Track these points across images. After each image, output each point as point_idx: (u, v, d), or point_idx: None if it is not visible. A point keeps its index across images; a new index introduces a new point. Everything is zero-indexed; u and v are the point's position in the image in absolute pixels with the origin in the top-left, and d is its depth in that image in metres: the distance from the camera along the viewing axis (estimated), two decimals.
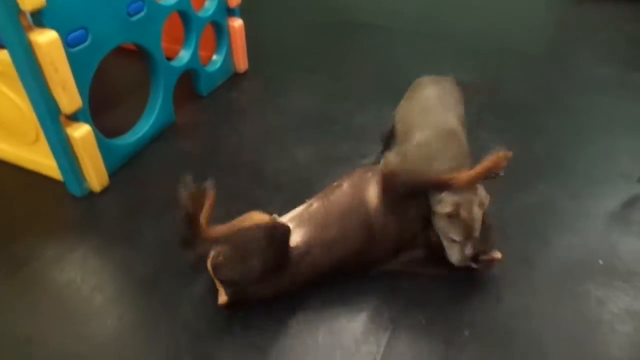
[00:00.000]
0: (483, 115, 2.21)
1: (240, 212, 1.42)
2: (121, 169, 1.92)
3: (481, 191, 1.41)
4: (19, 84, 1.60)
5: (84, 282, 1.52)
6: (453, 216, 1.35)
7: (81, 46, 1.63)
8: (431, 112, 1.62)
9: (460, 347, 1.34)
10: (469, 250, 1.39)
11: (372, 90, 2.40)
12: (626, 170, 1.90)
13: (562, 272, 1.54)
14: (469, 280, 1.50)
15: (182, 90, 2.22)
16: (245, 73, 2.53)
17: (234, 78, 2.49)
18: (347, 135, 2.11)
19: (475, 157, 1.43)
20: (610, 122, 2.19)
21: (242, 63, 2.49)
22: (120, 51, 2.23)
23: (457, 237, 1.38)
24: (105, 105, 2.07)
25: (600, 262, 1.56)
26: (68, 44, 1.58)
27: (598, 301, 1.46)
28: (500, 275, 1.52)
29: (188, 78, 2.27)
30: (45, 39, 1.48)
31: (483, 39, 2.85)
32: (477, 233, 1.38)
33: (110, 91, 2.29)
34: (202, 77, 2.30)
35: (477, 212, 1.37)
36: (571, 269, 1.55)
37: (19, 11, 1.41)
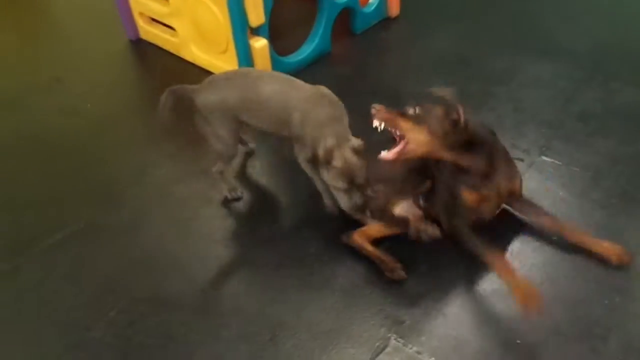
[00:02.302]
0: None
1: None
2: None
3: (353, 139, 1.54)
4: (221, 0, 2.08)
5: None
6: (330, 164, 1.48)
7: None
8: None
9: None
10: (358, 199, 1.52)
11: (509, 41, 2.55)
12: None
13: None
14: None
15: (340, 28, 2.60)
16: (396, 18, 2.82)
17: (386, 21, 2.79)
18: (480, 75, 2.32)
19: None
20: None
21: (394, 8, 2.78)
22: None
23: (340, 184, 1.50)
24: (279, 31, 2.49)
25: None
26: None
27: None
28: None
29: (346, 18, 2.62)
30: None
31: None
32: (360, 180, 1.50)
33: (284, 22, 2.72)
34: (358, 16, 2.64)
35: (352, 158, 1.49)
36: None
37: None
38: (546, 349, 1.30)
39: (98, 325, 1.44)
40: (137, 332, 1.43)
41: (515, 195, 1.59)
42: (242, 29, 2.10)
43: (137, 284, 1.56)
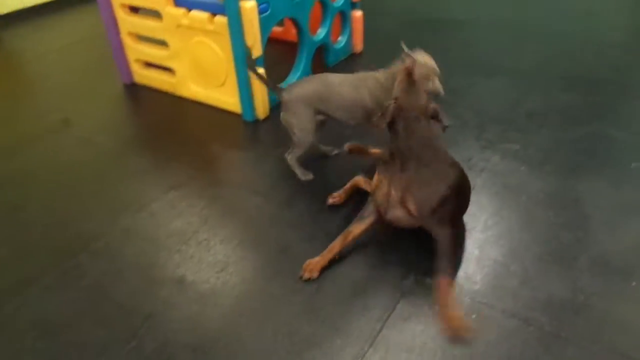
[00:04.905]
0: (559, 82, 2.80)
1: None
2: (276, 106, 2.70)
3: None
4: (222, 39, 2.45)
5: (249, 167, 2.30)
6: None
7: (265, 14, 2.46)
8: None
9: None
10: None
11: (462, 65, 3.07)
12: None
13: None
14: None
15: (316, 62, 3.02)
16: (361, 53, 3.30)
17: (352, 56, 3.27)
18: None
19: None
20: None
21: (359, 45, 3.26)
22: (276, 42, 3.05)
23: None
24: (269, 65, 2.86)
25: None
26: (260, 11, 2.41)
27: None
28: None
29: (320, 55, 3.05)
30: (249, 6, 2.32)
31: (563, 29, 3.42)
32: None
33: (273, 58, 3.09)
34: (330, 51, 3.08)
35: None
36: None
37: None
38: (533, 268, 1.67)
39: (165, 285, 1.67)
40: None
41: (411, 214, 1.63)
42: (243, 61, 2.45)
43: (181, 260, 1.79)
